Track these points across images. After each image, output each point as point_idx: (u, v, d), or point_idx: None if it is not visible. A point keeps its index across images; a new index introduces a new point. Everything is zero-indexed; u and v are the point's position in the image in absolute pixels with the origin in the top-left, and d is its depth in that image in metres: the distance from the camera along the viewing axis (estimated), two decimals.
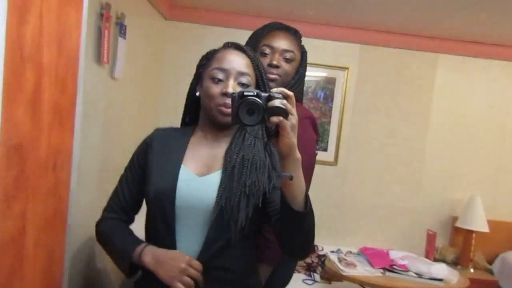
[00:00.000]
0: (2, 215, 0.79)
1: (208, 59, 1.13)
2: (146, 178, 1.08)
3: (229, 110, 1.02)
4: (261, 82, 1.13)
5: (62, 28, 0.98)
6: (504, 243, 3.29)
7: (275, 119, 0.85)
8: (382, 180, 3.27)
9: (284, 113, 0.86)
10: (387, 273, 2.18)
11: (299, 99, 1.53)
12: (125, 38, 2.21)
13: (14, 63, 0.74)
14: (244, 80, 1.07)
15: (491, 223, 3.11)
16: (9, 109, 0.75)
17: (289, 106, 0.87)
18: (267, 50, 1.47)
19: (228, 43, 1.15)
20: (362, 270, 2.17)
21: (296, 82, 1.51)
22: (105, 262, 1.90)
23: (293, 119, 0.87)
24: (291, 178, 0.90)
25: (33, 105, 0.84)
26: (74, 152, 1.18)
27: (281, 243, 1.03)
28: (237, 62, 1.08)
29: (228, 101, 1.02)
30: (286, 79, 1.48)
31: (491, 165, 3.36)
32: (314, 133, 1.50)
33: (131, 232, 1.15)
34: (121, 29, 2.16)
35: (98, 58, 1.94)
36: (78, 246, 1.97)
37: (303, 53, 1.53)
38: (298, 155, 0.91)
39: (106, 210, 1.19)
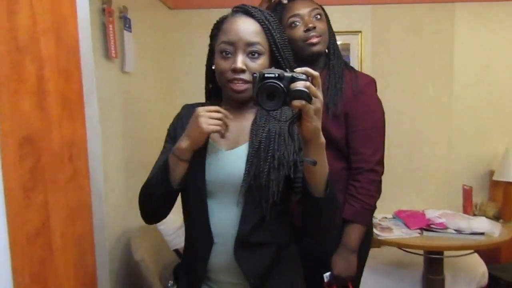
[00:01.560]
0: (23, 206, 0.80)
1: (217, 29, 1.06)
2: None
3: (239, 87, 0.99)
4: (275, 48, 1.03)
5: (57, 19, 0.97)
6: None
7: (297, 103, 0.79)
8: (411, 142, 3.17)
9: (308, 97, 0.79)
10: (425, 233, 2.12)
11: (341, 64, 1.47)
12: (131, 32, 2.22)
13: (10, 53, 0.74)
14: (254, 49, 0.99)
15: None
16: (13, 100, 0.75)
17: (313, 89, 0.80)
18: (296, 19, 1.43)
19: (236, 7, 1.06)
20: (399, 233, 2.13)
21: (334, 41, 1.49)
22: (143, 253, 1.94)
23: (318, 102, 0.81)
24: (314, 163, 0.85)
25: (39, 96, 0.84)
26: (89, 143, 1.19)
27: (303, 224, 1.01)
28: (245, 30, 1.00)
29: (238, 76, 0.98)
30: (326, 38, 1.46)
31: None
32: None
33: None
34: (126, 23, 2.17)
35: (107, 53, 1.95)
36: (114, 240, 2.02)
37: (326, 14, 1.51)
38: (322, 139, 0.86)
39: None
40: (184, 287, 1.10)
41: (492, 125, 3.21)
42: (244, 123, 1.06)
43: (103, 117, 1.89)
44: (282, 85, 0.80)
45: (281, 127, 1.02)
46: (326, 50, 1.48)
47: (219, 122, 0.95)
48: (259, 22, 1.02)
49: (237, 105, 1.06)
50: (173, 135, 1.11)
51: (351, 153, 1.43)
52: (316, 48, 1.42)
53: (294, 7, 1.44)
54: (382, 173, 1.43)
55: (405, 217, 2.27)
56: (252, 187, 0.99)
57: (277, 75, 0.81)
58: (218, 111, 0.96)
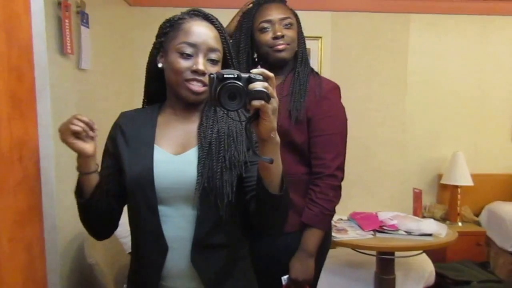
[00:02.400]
0: None
1: (172, 27, 1.05)
2: (120, 167, 1.04)
3: (198, 88, 0.99)
4: (229, 56, 1.08)
5: (9, 15, 0.93)
6: (488, 195, 3.37)
7: (256, 103, 0.81)
8: (367, 146, 3.28)
9: (266, 96, 0.81)
10: (378, 234, 2.20)
11: (307, 70, 1.50)
12: (88, 28, 2.14)
13: None
14: (214, 56, 1.01)
15: (475, 177, 3.16)
16: None
17: (270, 89, 0.83)
18: (266, 25, 1.45)
19: (195, 11, 1.06)
20: (354, 234, 2.20)
21: (303, 48, 1.51)
22: (97, 257, 1.88)
23: (275, 102, 0.83)
24: (271, 161, 0.87)
25: None
26: (43, 145, 1.14)
27: (254, 221, 1.02)
28: (207, 36, 1.01)
29: (198, 77, 0.99)
30: (294, 45, 1.47)
31: (471, 120, 3.40)
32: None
33: None
34: (83, 18, 2.09)
35: (62, 49, 1.87)
36: (66, 243, 1.94)
37: (298, 21, 1.52)
38: (277, 138, 0.88)
39: None
40: None
41: (441, 131, 3.39)
42: (190, 126, 1.06)
43: (57, 116, 1.81)
44: (242, 85, 0.82)
45: (229, 127, 1.04)
46: (297, 56, 1.50)
47: (77, 129, 0.96)
48: (217, 29, 1.04)
49: (184, 107, 1.06)
50: (112, 151, 1.08)
51: (312, 158, 1.44)
52: (281, 55, 1.44)
53: (266, 12, 1.46)
54: (342, 178, 1.44)
55: (360, 219, 2.35)
56: (206, 189, 0.98)
57: (236, 75, 0.82)
58: (74, 122, 0.96)
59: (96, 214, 1.06)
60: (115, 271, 2.03)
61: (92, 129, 0.98)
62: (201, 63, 0.99)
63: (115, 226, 1.13)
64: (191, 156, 1.02)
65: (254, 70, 0.85)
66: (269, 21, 1.44)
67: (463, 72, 3.36)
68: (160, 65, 1.05)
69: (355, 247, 2.18)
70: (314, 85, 1.44)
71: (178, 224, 1.01)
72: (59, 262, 1.74)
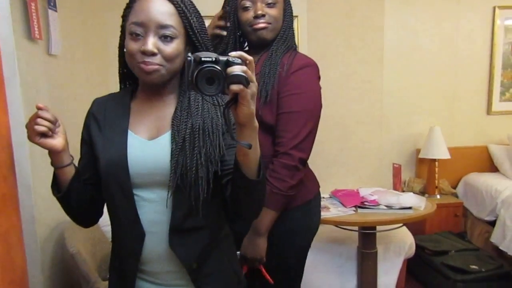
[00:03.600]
0: None
1: (129, 9, 0.99)
2: (94, 153, 1.02)
3: (149, 67, 0.94)
4: (192, 32, 0.99)
5: None
6: (465, 168, 3.46)
7: (235, 87, 0.78)
8: (345, 124, 3.30)
9: (245, 81, 0.79)
10: (359, 210, 2.24)
11: (292, 46, 1.46)
12: (56, 11, 2.06)
13: None
14: (167, 32, 0.95)
15: (451, 150, 3.24)
16: None
17: (249, 73, 0.80)
18: (248, 3, 1.40)
19: None
20: (336, 211, 2.23)
21: (287, 27, 1.44)
22: (78, 246, 1.85)
23: (254, 86, 0.81)
24: (250, 147, 0.85)
25: None
26: (15, 133, 1.10)
27: (230, 205, 1.00)
28: (156, 12, 0.94)
29: (148, 59, 0.94)
30: (277, 25, 1.42)
31: (447, 95, 3.46)
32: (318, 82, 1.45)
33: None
34: (50, 1, 2.01)
35: (29, 34, 1.80)
36: (47, 233, 1.91)
37: None
38: (256, 123, 0.86)
39: None
40: (116, 285, 1.07)
41: (417, 107, 3.44)
42: (164, 111, 1.03)
43: (28, 103, 1.75)
44: (220, 69, 0.79)
45: (204, 121, 0.99)
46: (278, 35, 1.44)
47: (42, 129, 0.93)
48: (173, 4, 0.97)
49: (155, 91, 1.02)
50: (87, 139, 1.06)
51: (275, 135, 1.39)
52: (261, 34, 1.40)
53: None
54: (302, 159, 1.36)
55: (341, 196, 2.38)
56: (180, 185, 0.96)
57: (214, 59, 0.79)
58: (38, 122, 0.93)
59: (78, 205, 1.04)
60: (98, 260, 2.01)
61: (56, 124, 0.96)
62: (149, 43, 0.93)
63: (100, 213, 1.12)
64: (165, 141, 0.99)
65: (232, 53, 0.82)
66: None
67: (438, 48, 3.40)
68: (125, 49, 1.00)
69: (337, 223, 2.22)
70: (287, 62, 1.39)
71: (154, 209, 0.99)
72: (39, 252, 1.71)
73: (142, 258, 1.01)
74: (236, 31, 1.46)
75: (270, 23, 1.39)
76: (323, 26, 3.22)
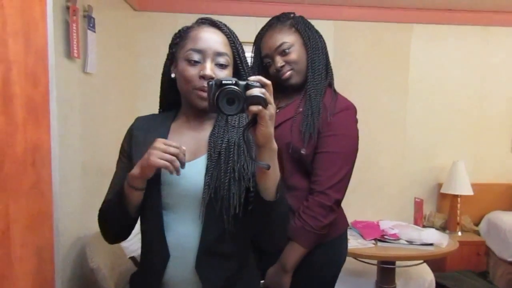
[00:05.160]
0: None
1: (181, 37, 1.06)
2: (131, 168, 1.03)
3: (206, 95, 0.97)
4: (239, 61, 1.06)
5: (27, 21, 0.94)
6: (488, 205, 3.39)
7: (254, 108, 0.83)
8: (367, 154, 3.27)
9: (264, 102, 0.83)
10: (379, 243, 2.21)
11: (324, 85, 1.44)
12: (94, 32, 2.16)
13: None
14: (222, 60, 1.01)
15: (474, 186, 3.18)
16: None
17: (267, 95, 0.85)
18: (267, 60, 1.45)
19: (202, 19, 1.07)
20: (355, 243, 2.20)
21: (316, 62, 1.43)
22: (98, 261, 1.88)
23: (272, 108, 0.85)
24: (268, 167, 0.88)
25: (4, 100, 0.80)
26: (53, 149, 1.14)
27: (254, 233, 1.01)
28: (213, 41, 1.01)
29: (204, 84, 0.98)
30: (301, 66, 1.43)
31: (471, 130, 3.43)
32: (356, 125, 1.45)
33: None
34: (90, 22, 2.10)
35: (68, 53, 1.88)
36: (68, 247, 1.94)
37: (302, 31, 1.45)
38: (275, 145, 0.90)
39: (104, 199, 1.11)
40: None
41: (441, 140, 3.41)
42: (202, 134, 1.06)
43: (63, 119, 1.82)
44: (240, 90, 0.84)
45: (239, 137, 1.03)
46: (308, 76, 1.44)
47: (171, 158, 0.93)
48: (225, 34, 1.05)
49: (196, 115, 1.06)
50: (127, 150, 1.08)
51: (312, 174, 1.39)
52: (290, 82, 1.43)
53: (264, 46, 1.45)
54: (337, 200, 1.37)
55: (361, 228, 2.36)
56: (213, 200, 0.98)
57: (234, 81, 0.85)
58: (176, 147, 0.94)
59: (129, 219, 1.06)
60: (116, 275, 2.03)
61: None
62: (208, 68, 0.99)
63: (132, 229, 1.12)
64: (200, 164, 1.02)
65: (251, 78, 0.87)
66: (267, 56, 1.44)
67: (463, 82, 3.38)
68: (173, 75, 1.07)
69: (356, 255, 2.18)
70: (328, 103, 1.41)
71: (181, 232, 1.00)
72: (61, 267, 1.73)
73: (165, 279, 1.01)
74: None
75: (292, 69, 1.42)
76: (349, 57, 3.26)
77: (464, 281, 2.84)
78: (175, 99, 1.11)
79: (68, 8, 1.85)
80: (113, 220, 1.04)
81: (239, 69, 1.07)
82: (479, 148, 3.44)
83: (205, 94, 0.97)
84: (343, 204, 1.52)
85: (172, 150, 0.93)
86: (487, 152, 3.46)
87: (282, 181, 0.95)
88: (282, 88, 1.49)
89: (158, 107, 1.17)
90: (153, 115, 1.15)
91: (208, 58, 1.00)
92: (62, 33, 1.84)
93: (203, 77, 0.98)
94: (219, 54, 1.01)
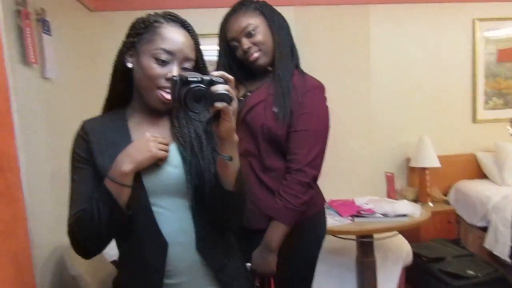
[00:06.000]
0: None
1: (147, 30, 1.03)
2: (101, 176, 0.99)
3: (169, 98, 0.98)
4: (202, 65, 1.08)
5: None
6: (455, 175, 3.53)
7: (219, 105, 0.87)
8: (337, 136, 3.31)
9: (228, 99, 0.87)
10: (356, 219, 2.27)
11: (291, 66, 1.47)
12: (50, 35, 2.10)
13: None
14: (188, 65, 1.02)
15: (441, 158, 3.30)
16: None
17: (231, 91, 0.89)
18: (234, 43, 1.46)
19: (170, 15, 1.05)
20: (333, 221, 2.25)
21: (282, 42, 1.46)
22: (79, 268, 1.84)
23: (235, 103, 0.91)
24: (230, 159, 0.94)
25: None
26: (19, 156, 1.11)
27: (211, 216, 1.04)
28: (184, 45, 1.02)
29: (170, 85, 0.98)
30: (268, 47, 1.45)
31: (434, 105, 3.54)
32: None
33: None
34: (44, 26, 2.04)
35: (24, 58, 1.82)
36: (46, 255, 1.90)
37: (267, 13, 1.47)
38: (236, 137, 0.95)
39: (70, 213, 1.02)
40: None
41: (406, 117, 3.52)
42: (162, 128, 1.07)
43: (25, 126, 1.76)
44: (207, 88, 0.87)
45: (203, 127, 1.06)
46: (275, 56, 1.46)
47: (166, 147, 1.00)
48: (192, 38, 1.05)
49: (153, 111, 1.06)
50: (86, 157, 1.02)
51: (287, 153, 1.43)
52: (259, 63, 1.45)
53: (230, 29, 1.46)
54: (315, 176, 1.42)
55: (337, 206, 2.41)
56: (199, 184, 1.01)
57: (200, 78, 0.87)
58: (162, 137, 1.00)
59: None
60: (98, 281, 2.00)
61: None
62: (175, 72, 0.99)
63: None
64: (172, 152, 1.03)
65: (214, 73, 0.90)
66: (234, 39, 1.45)
67: (423, 60, 3.49)
68: (129, 65, 1.04)
69: (335, 233, 2.24)
70: (297, 83, 1.44)
71: (174, 218, 1.02)
72: (40, 275, 1.69)
73: (167, 271, 1.01)
74: (235, 66, 1.50)
75: (260, 50, 1.44)
76: (310, 41, 3.30)
77: (439, 249, 2.95)
78: (124, 91, 1.08)
79: (19, 11, 1.79)
80: (104, 230, 0.97)
81: (199, 68, 1.07)
82: (443, 121, 3.57)
83: (166, 95, 0.99)
84: (319, 185, 1.57)
85: (163, 140, 1.00)
86: (450, 125, 3.59)
87: (240, 171, 1.00)
88: (251, 72, 1.51)
89: (106, 99, 1.12)
90: (101, 116, 1.11)
91: (177, 61, 1.00)
92: (16, 38, 1.78)
93: (170, 79, 0.98)
94: (187, 59, 1.02)
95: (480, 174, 3.52)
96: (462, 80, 3.59)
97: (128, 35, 1.05)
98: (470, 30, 3.54)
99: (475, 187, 3.30)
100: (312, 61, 3.31)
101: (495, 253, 2.80)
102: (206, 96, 0.86)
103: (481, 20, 3.53)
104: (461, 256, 2.85)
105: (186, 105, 0.86)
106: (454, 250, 2.94)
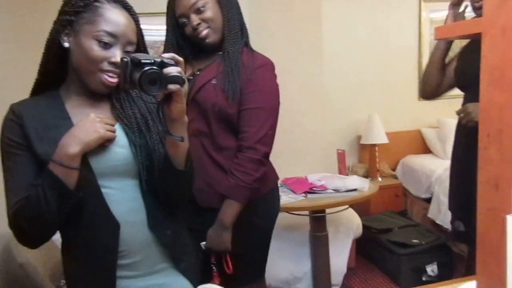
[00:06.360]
0: None
1: (87, 9, 0.97)
2: (42, 161, 0.93)
3: (112, 81, 0.97)
4: (143, 48, 1.07)
5: None
6: (402, 150, 3.72)
7: (173, 87, 0.89)
8: (290, 116, 3.38)
9: (182, 81, 0.89)
10: (309, 196, 2.34)
11: (241, 43, 1.45)
12: None
13: None
14: (130, 48, 1.00)
15: (389, 135, 3.46)
16: None
17: (183, 73, 0.90)
18: (183, 19, 1.42)
19: None
20: (287, 198, 2.30)
21: (232, 20, 1.44)
22: (27, 255, 1.78)
23: (186, 85, 0.92)
24: (182, 139, 0.96)
25: None
26: None
27: (160, 194, 1.05)
28: (128, 28, 0.99)
29: (115, 69, 0.96)
30: (217, 24, 1.42)
31: (382, 83, 3.68)
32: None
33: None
34: None
35: None
36: None
37: None
38: (186, 118, 0.97)
39: (10, 202, 0.95)
40: None
41: (356, 96, 3.63)
42: (104, 109, 1.05)
43: None
44: (161, 71, 0.87)
45: (147, 106, 1.08)
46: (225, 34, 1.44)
47: (114, 128, 0.99)
48: (135, 21, 1.03)
49: (90, 94, 1.02)
50: (22, 143, 0.95)
51: (238, 131, 1.43)
52: (208, 40, 1.43)
53: (178, 5, 1.42)
54: (266, 153, 1.42)
55: (291, 184, 2.47)
56: (149, 164, 1.02)
57: (152, 60, 0.88)
58: (106, 117, 1.00)
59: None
60: (49, 267, 1.95)
61: None
62: (119, 56, 0.96)
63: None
64: (117, 133, 1.01)
65: (165, 55, 0.92)
66: (183, 15, 1.42)
67: (372, 39, 3.60)
68: (66, 44, 0.98)
69: (289, 209, 2.30)
70: (247, 61, 1.43)
71: (125, 198, 1.01)
72: None
73: (120, 252, 1.00)
74: (183, 44, 1.47)
75: (209, 27, 1.42)
76: (264, 21, 3.29)
77: (387, 221, 3.12)
78: (58, 71, 1.03)
79: None
80: (53, 216, 0.92)
81: (140, 52, 1.05)
82: (391, 99, 3.72)
83: (111, 80, 0.97)
84: (273, 164, 1.60)
85: (109, 121, 0.99)
86: (398, 103, 3.75)
87: (189, 150, 1.02)
88: (200, 50, 1.49)
89: (36, 80, 1.05)
90: (32, 99, 1.04)
91: (120, 45, 0.98)
92: None
93: (113, 63, 0.96)
94: (130, 42, 1.00)
95: (425, 149, 3.73)
96: (409, 59, 3.74)
97: (64, 12, 0.98)
98: (416, 11, 3.68)
99: (420, 161, 3.49)
100: (265, 43, 3.31)
101: (438, 222, 3.01)
102: (161, 79, 0.87)
103: (426, 1, 3.67)
104: (407, 226, 3.02)
105: (142, 87, 0.86)
106: (401, 221, 3.11)
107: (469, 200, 1.58)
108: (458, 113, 1.58)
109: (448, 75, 1.79)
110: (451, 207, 1.86)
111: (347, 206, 2.53)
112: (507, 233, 0.50)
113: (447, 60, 1.80)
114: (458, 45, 1.84)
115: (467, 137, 1.61)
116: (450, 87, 1.82)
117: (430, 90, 1.87)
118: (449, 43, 1.78)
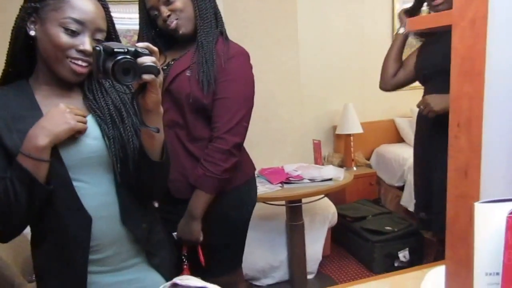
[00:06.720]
0: None
1: None
2: (11, 154, 0.91)
3: (82, 69, 0.95)
4: (114, 36, 1.04)
5: None
6: (376, 140, 3.79)
7: (147, 77, 0.87)
8: (267, 107, 3.40)
9: (156, 71, 0.87)
10: (285, 186, 2.36)
11: (215, 32, 1.43)
12: None
13: None
14: (100, 36, 0.97)
15: (364, 125, 3.52)
16: None
17: (158, 63, 0.88)
18: (154, 12, 1.40)
19: None
20: (264, 189, 2.32)
21: (203, 9, 1.41)
22: None
23: (161, 76, 0.91)
24: (157, 131, 0.95)
25: None
26: None
27: (135, 187, 1.04)
28: (96, 15, 0.96)
29: (84, 57, 0.95)
30: (187, 14, 1.40)
31: (357, 74, 3.73)
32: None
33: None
34: None
35: None
36: None
37: None
38: (161, 109, 0.95)
39: None
40: None
41: (332, 86, 3.67)
42: (75, 100, 1.02)
43: None
44: (135, 61, 0.85)
45: (120, 97, 1.05)
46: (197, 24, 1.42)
47: (84, 119, 0.97)
48: (104, 8, 1.00)
49: (60, 83, 1.00)
50: None
51: (211, 121, 1.42)
52: (180, 31, 1.41)
53: None
54: (236, 143, 1.39)
55: (268, 174, 2.48)
56: (123, 157, 1.01)
57: (126, 49, 0.85)
58: (77, 108, 0.97)
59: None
60: (20, 262, 1.90)
61: None
62: (87, 43, 0.94)
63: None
64: (89, 124, 0.99)
65: (139, 44, 0.90)
66: (152, 8, 1.40)
67: (346, 29, 3.64)
68: (32, 33, 0.95)
69: (266, 200, 2.31)
70: (221, 50, 1.41)
71: (97, 191, 0.99)
72: None
73: (92, 247, 0.99)
74: (156, 37, 1.46)
75: (178, 18, 1.39)
76: (239, 13, 3.27)
77: (361, 209, 3.19)
78: (24, 62, 1.00)
79: None
80: (22, 210, 0.90)
81: (111, 40, 1.03)
82: (365, 90, 3.77)
83: (81, 68, 0.95)
84: (250, 155, 1.59)
85: (79, 111, 0.96)
86: (372, 93, 3.78)
87: (165, 141, 1.02)
88: (174, 41, 1.46)
89: (3, 71, 1.02)
90: (0, 90, 1.00)
91: (88, 32, 0.95)
92: None
93: (82, 51, 0.94)
94: (99, 30, 0.97)
95: (399, 138, 3.82)
96: (383, 50, 3.75)
97: (30, 0, 0.95)
98: (389, 2, 3.73)
99: (393, 150, 3.57)
100: (241, 34, 3.30)
101: (410, 209, 3.09)
102: (134, 68, 0.85)
103: None
104: (380, 214, 3.10)
105: (115, 77, 0.84)
106: (375, 209, 3.19)
107: (431, 188, 1.64)
108: (419, 105, 1.64)
109: (408, 69, 1.86)
110: (415, 196, 1.91)
111: (322, 195, 2.56)
112: (475, 220, 0.52)
113: (405, 55, 1.88)
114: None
115: (428, 128, 1.67)
116: (411, 81, 1.90)
117: (387, 81, 1.97)
118: (406, 37, 1.87)
